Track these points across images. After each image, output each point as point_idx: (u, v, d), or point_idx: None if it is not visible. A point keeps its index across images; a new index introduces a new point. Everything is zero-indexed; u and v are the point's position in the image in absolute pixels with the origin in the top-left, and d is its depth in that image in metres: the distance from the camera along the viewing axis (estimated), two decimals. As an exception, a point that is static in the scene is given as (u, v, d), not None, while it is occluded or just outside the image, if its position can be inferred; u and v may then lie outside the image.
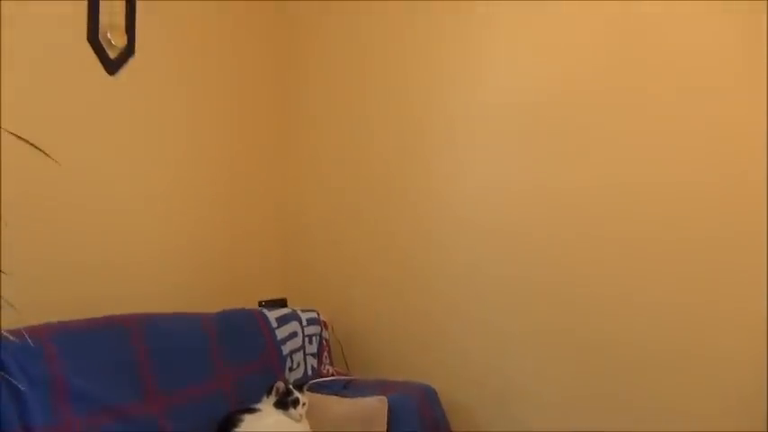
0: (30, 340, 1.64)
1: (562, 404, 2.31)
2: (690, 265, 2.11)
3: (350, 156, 2.77)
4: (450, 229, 2.54)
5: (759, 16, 2.00)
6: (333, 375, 2.44)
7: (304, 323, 2.43)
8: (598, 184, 2.26)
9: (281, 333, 2.35)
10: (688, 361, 2.11)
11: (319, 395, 2.20)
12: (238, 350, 2.20)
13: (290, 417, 1.99)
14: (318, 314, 2.52)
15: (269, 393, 2.03)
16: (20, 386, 1.49)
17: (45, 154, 1.08)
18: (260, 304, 2.52)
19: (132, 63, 2.26)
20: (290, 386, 2.05)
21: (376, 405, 2.10)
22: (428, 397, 2.27)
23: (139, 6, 2.26)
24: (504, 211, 2.43)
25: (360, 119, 2.75)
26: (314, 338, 2.45)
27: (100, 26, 2.16)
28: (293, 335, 2.38)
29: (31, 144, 1.07)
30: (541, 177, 2.36)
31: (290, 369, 2.34)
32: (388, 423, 2.08)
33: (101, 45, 2.17)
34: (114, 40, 2.20)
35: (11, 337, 1.46)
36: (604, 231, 2.25)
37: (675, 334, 2.13)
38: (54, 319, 1.78)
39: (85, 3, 2.11)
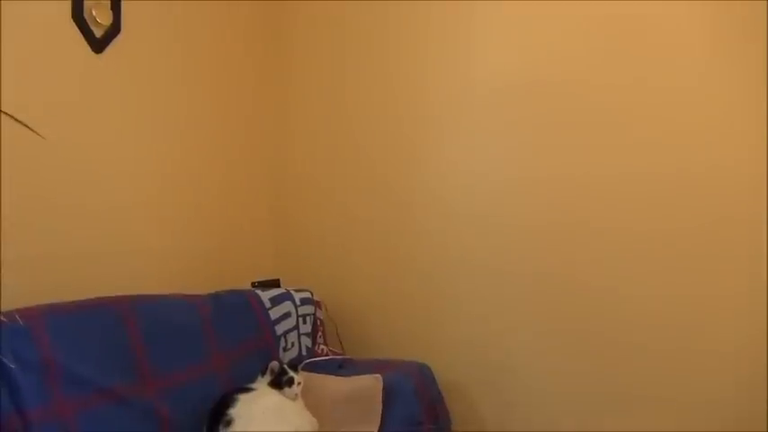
0: (21, 323, 1.63)
1: (557, 382, 2.32)
2: (687, 255, 2.09)
3: (341, 137, 2.75)
4: (443, 208, 2.53)
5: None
6: (327, 355, 2.44)
7: (297, 303, 2.42)
8: (591, 171, 2.24)
9: (274, 313, 2.34)
10: (688, 350, 2.10)
11: (314, 374, 2.20)
12: (232, 331, 2.19)
13: (286, 396, 1.99)
14: (312, 294, 2.51)
15: (263, 373, 2.03)
16: (10, 364, 1.47)
17: (30, 129, 1.05)
18: (253, 285, 2.51)
19: (120, 41, 2.22)
20: (285, 366, 2.04)
21: (372, 383, 2.10)
22: (424, 375, 2.27)
23: (125, -17, 2.22)
24: (496, 195, 2.42)
25: (349, 102, 2.73)
26: (308, 318, 2.44)
27: (84, 4, 2.12)
28: (287, 315, 2.37)
29: (17, 120, 1.05)
30: (530, 162, 2.35)
31: (285, 349, 2.33)
32: (384, 401, 2.08)
33: (86, 23, 2.13)
34: (100, 18, 2.16)
35: (2, 320, 1.45)
36: (597, 217, 2.24)
37: (672, 319, 2.12)
38: (44, 301, 1.76)
39: (69, -20, 2.07)
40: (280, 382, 2.00)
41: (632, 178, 2.17)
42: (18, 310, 1.63)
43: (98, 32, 2.16)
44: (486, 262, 2.44)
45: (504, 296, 2.42)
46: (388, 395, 2.10)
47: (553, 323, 2.33)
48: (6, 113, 1.06)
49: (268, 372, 2.02)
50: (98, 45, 2.17)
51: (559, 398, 2.31)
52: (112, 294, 1.95)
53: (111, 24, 2.20)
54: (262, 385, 2.00)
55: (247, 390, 1.96)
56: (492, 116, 2.42)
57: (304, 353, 2.38)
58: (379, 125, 2.66)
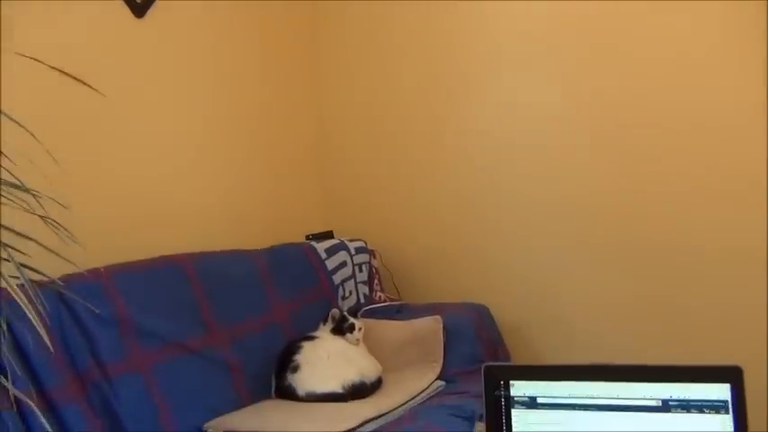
0: (94, 282, 1.70)
1: (616, 319, 2.30)
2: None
3: (387, 81, 2.72)
4: (495, 147, 2.49)
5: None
6: (385, 301, 2.47)
7: (352, 252, 2.45)
8: (647, 102, 2.18)
9: (330, 263, 2.38)
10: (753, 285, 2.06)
11: (374, 320, 2.24)
12: (291, 283, 2.24)
13: (348, 342, 2.03)
14: (365, 243, 2.53)
15: (325, 321, 2.07)
16: (95, 309, 1.53)
17: (89, 86, 1.07)
18: (307, 238, 2.55)
19: (161, 5, 2.23)
20: (345, 313, 2.08)
21: (432, 325, 2.13)
22: (482, 316, 2.29)
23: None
24: (551, 132, 2.36)
25: (394, 43, 2.68)
26: (363, 267, 2.47)
27: (124, -32, 2.13)
28: (343, 264, 2.40)
29: (76, 78, 1.07)
30: (584, 95, 2.30)
31: (343, 298, 2.38)
32: (445, 342, 2.11)
33: (126, -12, 2.14)
34: (139, -18, 2.17)
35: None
36: (657, 150, 2.18)
37: (736, 252, 2.08)
38: (109, 261, 1.82)
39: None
40: (341, 329, 2.04)
41: (690, 109, 2.11)
42: (89, 270, 1.70)
43: (138, -3, 2.18)
44: (538, 201, 2.42)
45: (559, 235, 2.39)
46: (449, 336, 2.13)
47: (611, 260, 2.30)
48: (65, 73, 1.08)
49: (329, 319, 2.06)
50: (139, 10, 2.19)
51: (618, 334, 2.30)
52: (173, 253, 2.01)
53: (151, -12, 2.20)
54: (324, 333, 2.04)
55: (311, 337, 2.01)
56: (544, 47, 2.36)
57: (362, 300, 2.42)
58: (427, 71, 2.62)
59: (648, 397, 1.04)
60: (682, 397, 1.03)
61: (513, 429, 1.10)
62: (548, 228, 2.41)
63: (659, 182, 2.19)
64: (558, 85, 2.35)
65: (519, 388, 1.10)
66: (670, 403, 1.03)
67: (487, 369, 1.12)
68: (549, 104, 2.37)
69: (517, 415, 1.10)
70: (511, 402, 1.10)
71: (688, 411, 1.02)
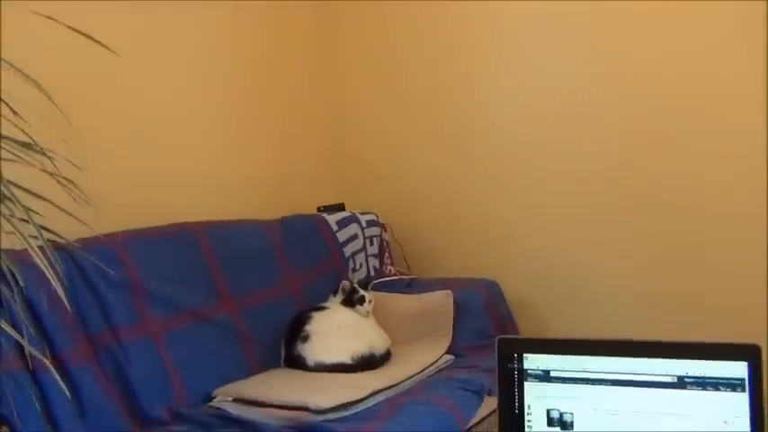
0: (107, 246, 1.70)
1: (626, 297, 2.29)
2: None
3: (401, 53, 2.69)
4: (507, 123, 2.47)
5: None
6: (395, 275, 2.47)
7: (363, 225, 2.44)
8: (661, 77, 2.15)
9: (341, 236, 2.37)
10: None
11: (384, 293, 2.24)
12: (302, 254, 2.24)
13: (358, 313, 2.03)
14: (377, 216, 2.53)
15: (335, 293, 2.08)
16: (108, 270, 1.54)
17: (103, 45, 1.06)
18: (318, 210, 2.54)
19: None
20: (356, 285, 2.08)
21: (442, 299, 2.12)
22: (492, 291, 2.28)
23: None
24: (564, 106, 2.34)
25: (410, 13, 2.63)
26: (374, 240, 2.46)
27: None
28: (354, 237, 2.40)
29: (91, 38, 1.06)
30: (598, 69, 2.27)
31: (353, 270, 2.37)
32: (455, 317, 2.11)
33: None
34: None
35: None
36: (670, 125, 2.16)
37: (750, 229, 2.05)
38: (122, 227, 1.82)
39: None
40: (352, 301, 2.04)
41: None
42: (102, 235, 1.70)
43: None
44: (551, 178, 2.40)
45: (571, 211, 2.37)
46: (459, 310, 2.12)
47: (622, 238, 2.29)
48: (80, 32, 1.07)
49: (340, 291, 2.06)
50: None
51: (629, 313, 2.29)
52: (184, 220, 2.00)
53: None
54: (334, 304, 2.05)
55: (321, 308, 2.01)
56: (560, 20, 2.32)
57: (372, 273, 2.42)
58: (441, 33, 2.58)
59: (664, 373, 1.03)
60: (698, 374, 1.02)
61: (526, 402, 1.09)
62: (559, 204, 2.39)
63: (672, 156, 2.16)
64: (572, 58, 2.32)
65: (532, 361, 1.09)
66: (686, 380, 1.02)
67: (501, 341, 1.12)
68: (560, 81, 2.34)
69: (530, 388, 1.09)
70: (524, 375, 1.09)
71: (704, 389, 1.01)
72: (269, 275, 2.12)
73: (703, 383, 1.01)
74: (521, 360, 1.10)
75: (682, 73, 2.13)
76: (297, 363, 1.88)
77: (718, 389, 1.00)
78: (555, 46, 2.34)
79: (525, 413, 1.09)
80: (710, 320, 2.10)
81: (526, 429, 1.08)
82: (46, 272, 0.91)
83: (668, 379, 1.03)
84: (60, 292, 0.93)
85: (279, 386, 1.73)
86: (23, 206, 0.92)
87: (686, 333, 2.08)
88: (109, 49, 1.10)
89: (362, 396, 1.65)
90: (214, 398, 1.73)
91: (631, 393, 1.04)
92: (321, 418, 1.56)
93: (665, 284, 2.22)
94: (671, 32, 2.13)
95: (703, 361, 1.01)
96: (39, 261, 0.91)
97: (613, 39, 2.23)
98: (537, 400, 1.08)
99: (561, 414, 1.07)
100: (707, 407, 1.01)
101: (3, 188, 0.91)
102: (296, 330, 1.92)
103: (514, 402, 1.09)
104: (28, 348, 1.05)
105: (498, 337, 1.12)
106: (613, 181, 2.28)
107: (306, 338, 1.89)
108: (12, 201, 0.91)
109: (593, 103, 2.29)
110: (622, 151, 2.25)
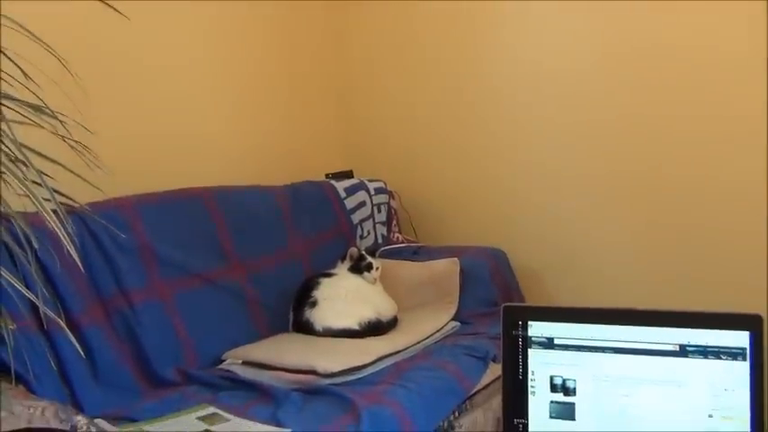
0: (116, 210, 1.71)
1: (631, 266, 2.30)
2: None
3: (410, 20, 2.66)
4: (516, 91, 2.45)
5: None
6: (402, 243, 2.48)
7: (372, 192, 2.45)
8: (667, 52, 2.13)
9: (350, 203, 2.38)
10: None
11: (391, 260, 2.25)
12: (310, 220, 2.25)
13: (365, 280, 2.05)
14: (385, 184, 2.53)
15: (343, 260, 2.09)
16: (121, 234, 1.56)
17: (114, 9, 1.06)
18: (327, 176, 2.54)
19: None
20: (363, 252, 2.10)
21: (448, 266, 2.14)
22: (498, 259, 2.29)
23: None
24: (571, 79, 2.32)
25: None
26: (382, 207, 2.47)
27: None
28: (362, 204, 2.41)
29: (104, 1, 1.06)
30: (605, 44, 2.24)
31: (361, 237, 2.39)
32: (461, 284, 2.13)
33: None
34: None
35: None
36: (672, 99, 2.13)
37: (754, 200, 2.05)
38: (131, 191, 1.84)
39: None
40: (359, 268, 2.06)
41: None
42: (113, 199, 1.72)
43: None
44: (556, 146, 2.39)
45: (578, 182, 2.37)
46: (465, 278, 2.14)
47: (628, 209, 2.28)
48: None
49: (347, 258, 2.08)
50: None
51: (633, 282, 2.30)
52: (193, 185, 2.02)
53: None
54: (342, 270, 2.06)
55: (329, 274, 2.03)
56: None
57: (380, 241, 2.43)
58: (448, 5, 2.56)
59: (666, 341, 1.05)
60: (700, 343, 1.03)
61: (530, 369, 1.11)
62: (567, 174, 2.38)
63: (678, 127, 2.15)
64: (583, 26, 2.29)
65: (537, 328, 1.11)
66: (687, 348, 1.04)
67: (506, 309, 1.14)
68: (573, 52, 2.31)
69: (534, 355, 1.11)
70: (528, 342, 1.12)
71: (705, 357, 1.03)
72: (277, 241, 2.14)
73: (705, 352, 1.03)
74: (525, 327, 1.12)
75: (691, 45, 2.10)
76: (305, 328, 1.90)
77: (719, 358, 1.02)
78: (566, 14, 2.31)
79: (529, 379, 1.11)
80: (713, 291, 2.10)
81: (529, 395, 1.11)
82: (60, 234, 0.92)
83: (670, 347, 1.05)
84: (74, 254, 0.95)
85: (287, 350, 1.77)
86: (37, 169, 0.93)
87: (689, 303, 2.10)
88: (120, 13, 1.10)
89: (369, 361, 1.68)
90: (224, 360, 1.76)
91: (634, 361, 1.06)
92: (328, 381, 1.59)
93: (669, 255, 2.22)
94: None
95: (705, 330, 1.03)
96: (52, 224, 0.92)
97: (625, 5, 2.20)
98: (540, 367, 1.11)
99: (564, 380, 1.10)
100: (708, 375, 1.03)
101: (16, 150, 0.92)
102: (304, 296, 1.95)
103: (518, 368, 1.12)
104: (42, 309, 1.07)
105: (503, 305, 1.14)
106: (621, 152, 2.27)
107: (314, 304, 1.92)
108: (25, 163, 0.92)
109: (600, 74, 2.27)
110: (630, 123, 2.24)
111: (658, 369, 1.04)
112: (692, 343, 1.03)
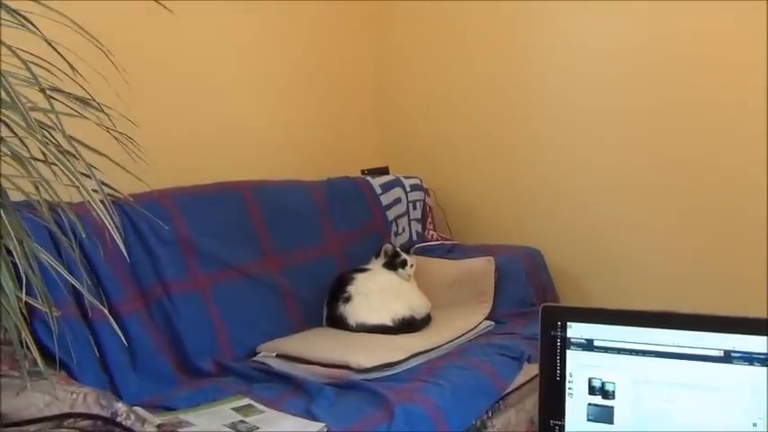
0: (157, 202, 1.74)
1: (669, 266, 2.26)
2: None
3: (448, 21, 2.65)
4: (552, 90, 2.42)
5: None
6: (437, 240, 2.47)
7: (407, 189, 2.45)
8: (703, 46, 2.09)
9: (385, 199, 2.38)
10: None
11: (425, 258, 2.25)
12: (345, 216, 2.26)
13: (400, 277, 2.05)
14: (421, 180, 2.53)
15: (377, 256, 2.09)
16: (164, 226, 1.60)
17: (161, 4, 1.07)
18: (362, 173, 2.55)
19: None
20: (398, 249, 2.10)
21: (484, 265, 2.13)
22: (534, 259, 2.27)
23: None
24: (608, 77, 2.30)
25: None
26: (417, 204, 2.47)
27: None
28: (397, 201, 2.41)
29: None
30: (642, 40, 2.22)
31: (396, 234, 2.39)
32: (496, 283, 2.11)
33: None
34: None
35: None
36: (712, 94, 2.10)
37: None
38: (168, 179, 1.86)
39: None
40: (393, 264, 2.06)
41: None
42: (153, 192, 1.74)
43: None
44: (595, 145, 2.36)
45: (614, 181, 2.34)
46: (500, 277, 2.12)
47: (666, 208, 2.25)
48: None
49: (382, 254, 2.08)
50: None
51: (671, 282, 2.26)
52: (232, 179, 2.04)
53: None
54: (376, 266, 2.06)
55: (363, 270, 2.03)
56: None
57: (414, 238, 2.43)
58: (489, 7, 2.54)
59: (710, 347, 1.02)
60: (745, 349, 1.00)
61: (567, 370, 1.10)
62: (604, 171, 2.36)
63: (722, 124, 2.11)
64: (614, 29, 2.27)
65: (576, 330, 1.09)
66: (732, 354, 1.01)
67: (545, 309, 1.12)
68: (610, 49, 2.29)
69: (572, 356, 1.10)
70: (566, 343, 1.10)
71: (751, 364, 1.00)
72: (312, 236, 2.15)
73: (750, 359, 1.00)
74: (564, 328, 1.10)
75: (723, 43, 2.06)
76: (339, 323, 1.91)
77: (765, 365, 0.99)
78: (605, 12, 2.28)
79: (567, 381, 1.09)
80: (759, 295, 2.06)
81: (567, 397, 1.09)
82: (107, 224, 0.94)
83: (714, 353, 1.02)
84: (120, 244, 0.96)
85: (321, 344, 1.77)
86: (86, 162, 0.95)
87: (732, 308, 2.05)
88: (166, 7, 1.12)
89: (402, 358, 1.67)
90: (258, 353, 1.77)
91: (676, 366, 1.04)
92: (361, 376, 1.59)
93: (711, 258, 2.17)
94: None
95: (751, 336, 1.00)
96: (100, 214, 0.94)
97: (661, 4, 2.16)
98: (579, 369, 1.09)
99: (603, 383, 1.08)
100: (753, 383, 1.00)
101: (65, 142, 0.94)
102: (338, 291, 1.95)
103: (556, 370, 1.10)
104: (87, 296, 1.09)
105: (543, 305, 1.12)
106: (664, 151, 2.23)
107: (348, 299, 1.92)
108: (74, 155, 0.94)
109: (640, 71, 2.24)
110: (665, 120, 2.20)
111: (701, 375, 1.02)
112: (737, 349, 1.00)
